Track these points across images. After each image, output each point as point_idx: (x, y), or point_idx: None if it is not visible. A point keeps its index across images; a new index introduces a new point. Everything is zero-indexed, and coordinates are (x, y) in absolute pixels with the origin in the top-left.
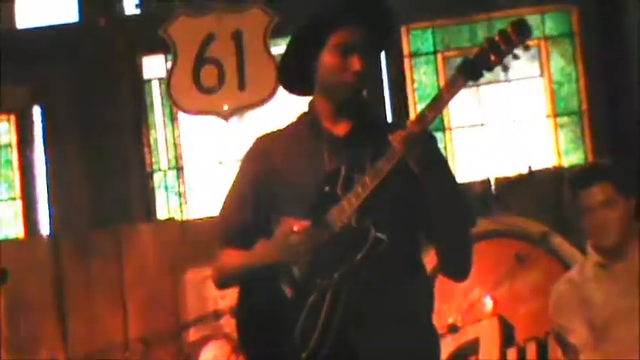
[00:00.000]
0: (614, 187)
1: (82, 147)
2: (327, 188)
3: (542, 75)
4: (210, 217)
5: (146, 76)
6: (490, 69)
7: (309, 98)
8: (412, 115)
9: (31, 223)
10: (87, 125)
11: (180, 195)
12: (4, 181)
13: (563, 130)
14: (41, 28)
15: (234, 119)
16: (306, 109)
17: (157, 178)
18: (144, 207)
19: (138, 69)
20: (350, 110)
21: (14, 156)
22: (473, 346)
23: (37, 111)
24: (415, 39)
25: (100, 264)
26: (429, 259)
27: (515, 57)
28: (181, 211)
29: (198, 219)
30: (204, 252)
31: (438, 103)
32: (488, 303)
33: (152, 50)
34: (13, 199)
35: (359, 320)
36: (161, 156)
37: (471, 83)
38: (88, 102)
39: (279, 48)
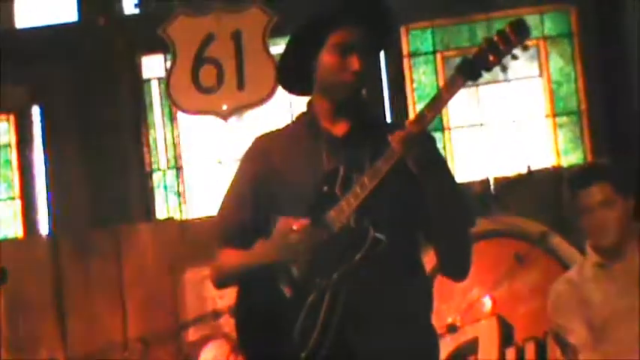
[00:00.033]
0: (613, 187)
1: (82, 147)
2: (325, 188)
3: (541, 75)
4: (210, 217)
5: (145, 75)
6: (489, 69)
7: (308, 98)
8: (411, 115)
9: (31, 222)
10: (86, 125)
11: (179, 195)
12: (4, 181)
13: (562, 129)
14: (40, 28)
15: (233, 119)
16: (304, 108)
17: (157, 177)
18: (143, 206)
19: (137, 69)
20: (349, 110)
21: (13, 156)
22: (472, 346)
23: (36, 111)
24: (414, 39)
25: (100, 263)
26: (428, 259)
27: (514, 57)
28: (180, 211)
29: (197, 219)
30: (204, 252)
31: (437, 103)
32: (487, 303)
33: (151, 50)
34: (13, 198)
35: (358, 320)
36: (160, 156)
37: (470, 83)
38: (88, 102)
39: (278, 48)
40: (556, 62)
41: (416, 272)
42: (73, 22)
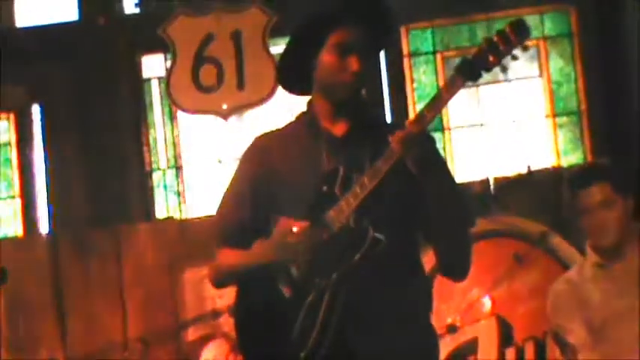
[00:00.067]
0: (613, 188)
1: (81, 146)
2: (325, 188)
3: (541, 75)
4: (209, 217)
5: (145, 75)
6: (489, 69)
7: (308, 98)
8: (411, 115)
9: (30, 221)
10: (86, 124)
11: (179, 194)
12: (4, 180)
13: (562, 130)
14: (40, 27)
15: (233, 118)
16: (304, 108)
17: (156, 177)
18: (143, 206)
19: (137, 68)
20: (348, 110)
21: (13, 155)
22: (471, 346)
23: (36, 110)
24: (414, 39)
25: (99, 263)
26: (428, 259)
27: (514, 57)
28: (180, 211)
29: (197, 218)
30: (203, 251)
31: (437, 103)
32: (487, 303)
33: (151, 49)
34: (12, 197)
35: (357, 320)
36: (160, 155)
37: (470, 83)
38: (88, 101)
39: (278, 47)
40: (556, 62)
41: (415, 272)
42: (74, 22)
